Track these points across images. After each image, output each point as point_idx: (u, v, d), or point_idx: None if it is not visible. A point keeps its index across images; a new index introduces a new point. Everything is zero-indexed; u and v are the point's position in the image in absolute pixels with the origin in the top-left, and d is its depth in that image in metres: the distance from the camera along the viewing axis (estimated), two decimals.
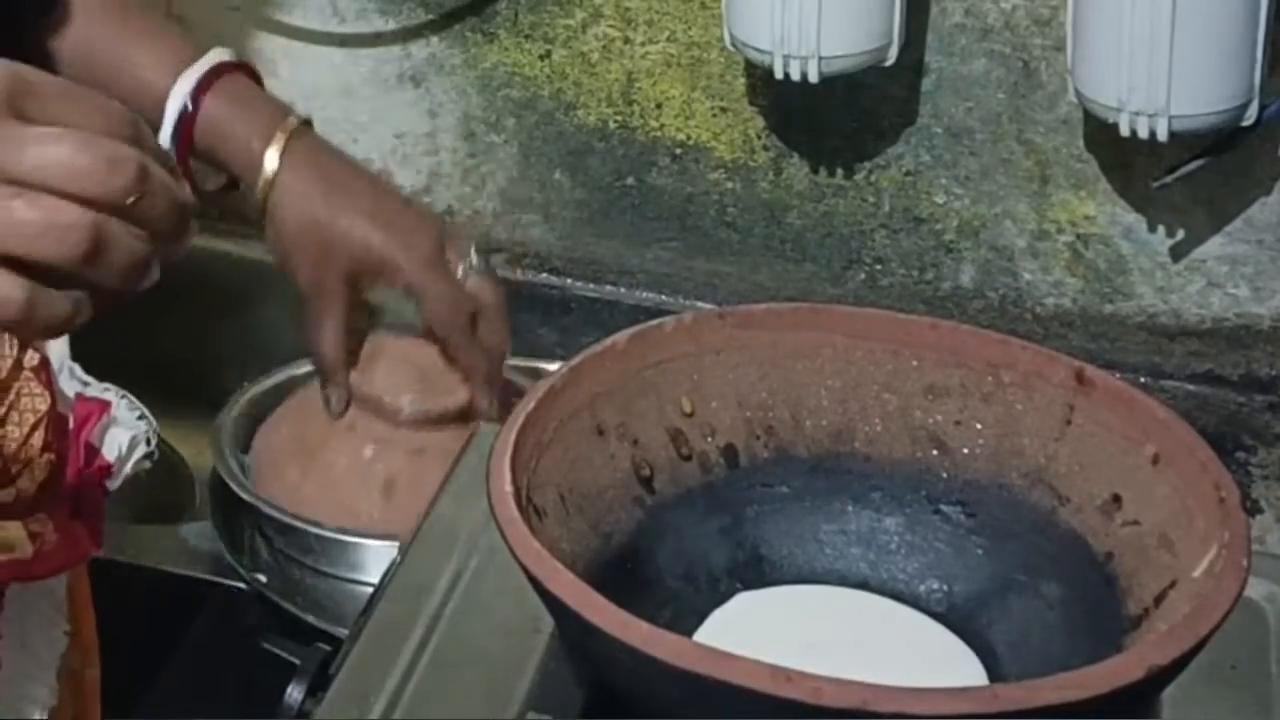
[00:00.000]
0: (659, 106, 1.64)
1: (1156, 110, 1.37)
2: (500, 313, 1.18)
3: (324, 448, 1.29)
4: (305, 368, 1.43)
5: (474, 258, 1.20)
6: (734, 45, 1.51)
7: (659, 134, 1.65)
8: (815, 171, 1.62)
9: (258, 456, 1.34)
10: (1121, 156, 1.52)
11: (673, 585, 0.88)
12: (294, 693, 0.91)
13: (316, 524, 1.28)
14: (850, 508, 0.92)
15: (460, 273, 1.17)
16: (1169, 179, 1.47)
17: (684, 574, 0.88)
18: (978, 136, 1.57)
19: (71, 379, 1.03)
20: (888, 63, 1.50)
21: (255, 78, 1.18)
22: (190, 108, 1.13)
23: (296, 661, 0.92)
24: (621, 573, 0.84)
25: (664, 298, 1.68)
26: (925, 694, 0.70)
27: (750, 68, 1.59)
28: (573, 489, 0.84)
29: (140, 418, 1.01)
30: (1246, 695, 0.86)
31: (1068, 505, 0.87)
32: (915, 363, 0.91)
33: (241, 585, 1.30)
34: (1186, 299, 1.56)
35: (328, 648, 0.92)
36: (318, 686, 0.89)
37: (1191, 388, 1.56)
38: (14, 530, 0.91)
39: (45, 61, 0.99)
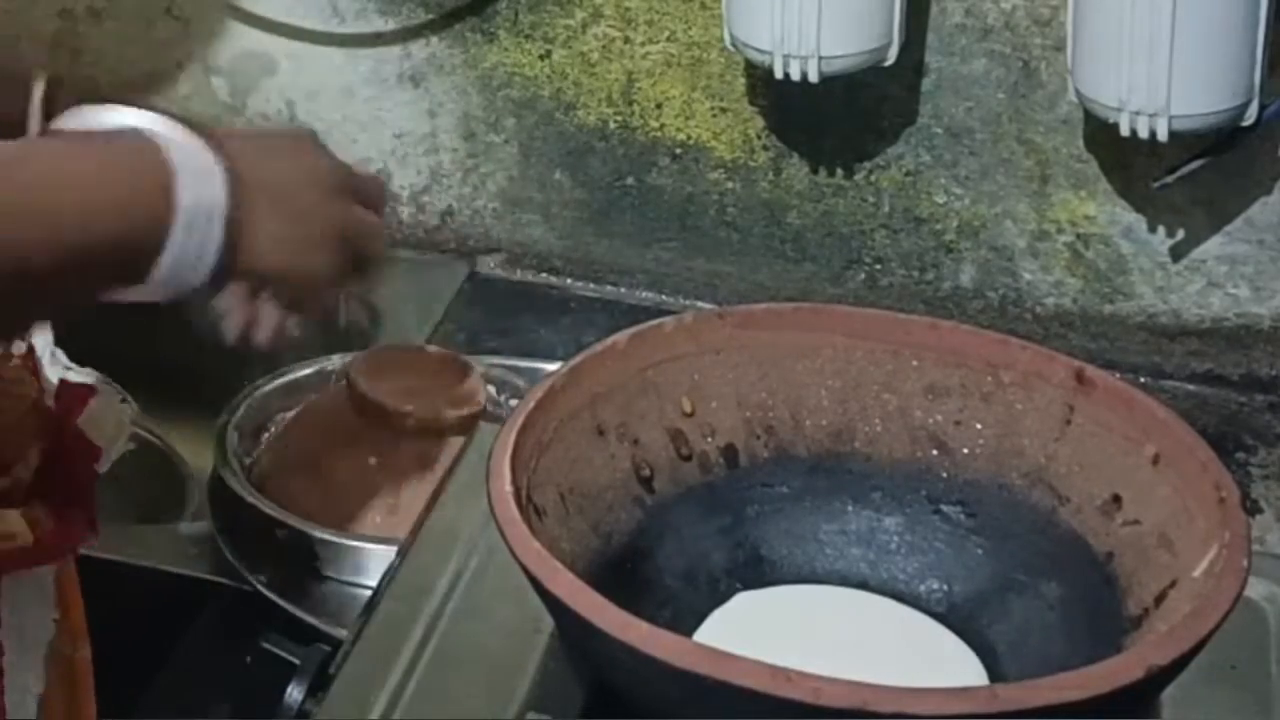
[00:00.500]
0: (659, 106, 1.64)
1: (1156, 110, 1.37)
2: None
3: (328, 458, 1.29)
4: (306, 370, 1.43)
5: None
6: (734, 45, 1.51)
7: (659, 134, 1.65)
8: (815, 171, 1.62)
9: (263, 468, 1.34)
10: (1121, 156, 1.52)
11: (673, 585, 0.88)
12: (294, 693, 0.91)
13: (317, 526, 1.28)
14: (850, 508, 0.92)
15: None
16: (1169, 179, 1.47)
17: (684, 574, 0.88)
18: (978, 136, 1.57)
19: (54, 363, 1.03)
20: (888, 63, 1.50)
21: None
22: None
23: (296, 661, 0.92)
24: (621, 573, 0.84)
25: (664, 298, 1.68)
26: (925, 694, 0.70)
27: (750, 68, 1.59)
28: (573, 489, 0.84)
29: (122, 400, 1.02)
30: (1246, 695, 0.86)
31: (1068, 505, 0.87)
32: (915, 363, 0.91)
33: (241, 585, 1.30)
34: (1186, 299, 1.56)
35: (328, 648, 0.92)
36: (318, 686, 0.89)
37: (1191, 388, 1.56)
38: (13, 519, 0.92)
39: None
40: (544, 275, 1.71)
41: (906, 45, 1.50)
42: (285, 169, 1.00)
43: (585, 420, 0.86)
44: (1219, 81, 1.37)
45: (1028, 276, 1.59)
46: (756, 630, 0.86)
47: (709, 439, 0.90)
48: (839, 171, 1.61)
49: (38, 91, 1.00)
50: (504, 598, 0.88)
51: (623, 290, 1.69)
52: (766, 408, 0.91)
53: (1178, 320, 1.56)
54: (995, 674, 0.84)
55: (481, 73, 1.67)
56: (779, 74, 1.47)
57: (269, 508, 1.29)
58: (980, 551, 0.89)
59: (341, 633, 1.00)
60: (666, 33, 1.61)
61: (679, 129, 1.64)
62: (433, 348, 1.39)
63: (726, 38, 1.52)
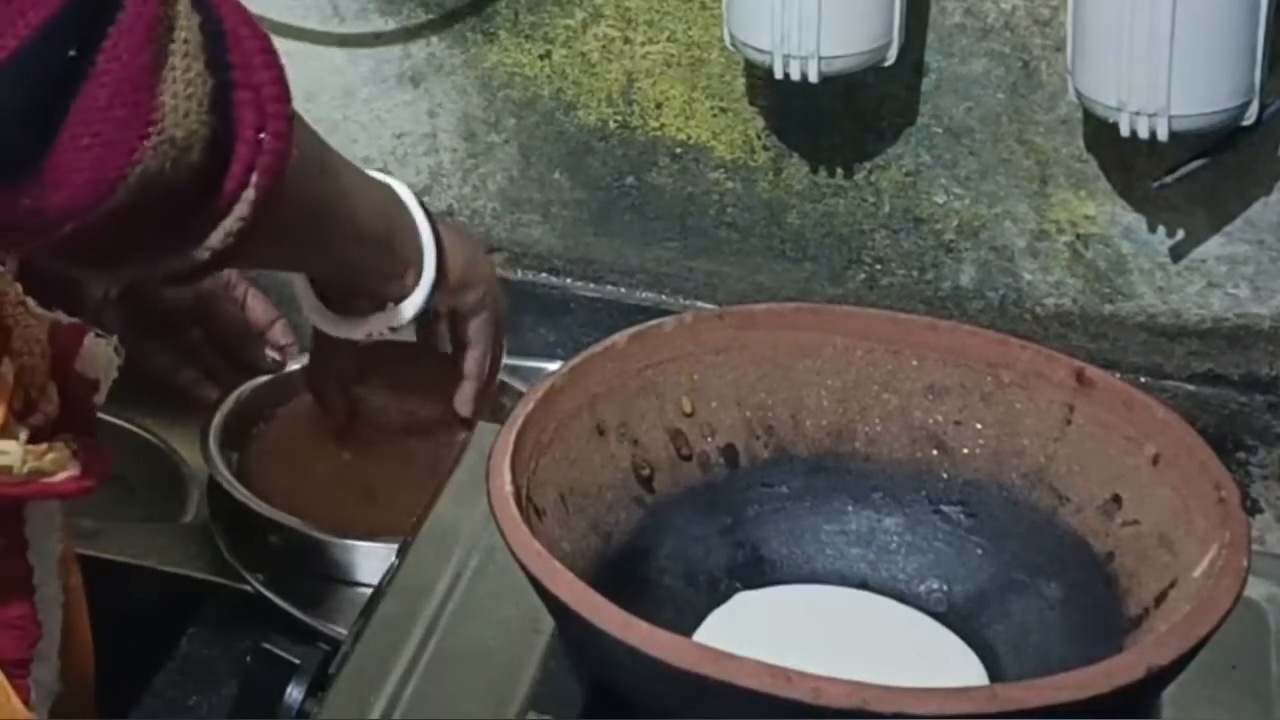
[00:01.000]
0: (659, 106, 1.64)
1: (1156, 110, 1.37)
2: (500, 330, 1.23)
3: (308, 454, 1.30)
4: (291, 366, 1.43)
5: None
6: (734, 45, 1.51)
7: (659, 134, 1.65)
8: (815, 171, 1.62)
9: (248, 465, 1.34)
10: (1121, 156, 1.52)
11: (673, 585, 0.88)
12: (294, 693, 0.91)
13: (316, 526, 1.28)
14: (850, 508, 0.92)
15: None
16: (1169, 179, 1.47)
17: (684, 574, 0.88)
18: (978, 136, 1.57)
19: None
20: (888, 63, 1.50)
21: None
22: None
23: (296, 661, 0.92)
24: (621, 573, 0.84)
25: (664, 298, 1.68)
26: (925, 694, 0.70)
27: (750, 68, 1.59)
28: (573, 489, 0.84)
29: (98, 335, 1.04)
30: (1246, 695, 0.86)
31: (1068, 505, 0.87)
32: (915, 363, 0.91)
33: (241, 585, 1.30)
34: (1186, 299, 1.56)
35: (328, 648, 0.92)
36: (318, 686, 0.89)
37: (1191, 388, 1.56)
38: (62, 450, 0.95)
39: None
40: (544, 275, 1.71)
41: (906, 45, 1.50)
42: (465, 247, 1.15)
43: (585, 420, 0.86)
44: (1219, 81, 1.37)
45: (1028, 276, 1.59)
46: (756, 630, 0.86)
47: (709, 439, 0.90)
48: (839, 171, 1.61)
49: None
50: (504, 598, 0.88)
51: (623, 290, 1.69)
52: (766, 408, 0.91)
53: (1178, 320, 1.56)
54: (995, 674, 0.84)
55: (481, 73, 1.67)
56: (779, 74, 1.47)
57: (268, 509, 1.29)
58: (980, 551, 0.89)
59: (341, 633, 1.00)
60: (666, 33, 1.61)
61: (679, 129, 1.64)
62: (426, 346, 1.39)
63: (726, 38, 1.52)
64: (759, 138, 1.63)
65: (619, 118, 1.65)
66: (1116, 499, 0.85)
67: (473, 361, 1.18)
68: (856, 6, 1.46)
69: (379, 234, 1.05)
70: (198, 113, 0.78)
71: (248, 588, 1.29)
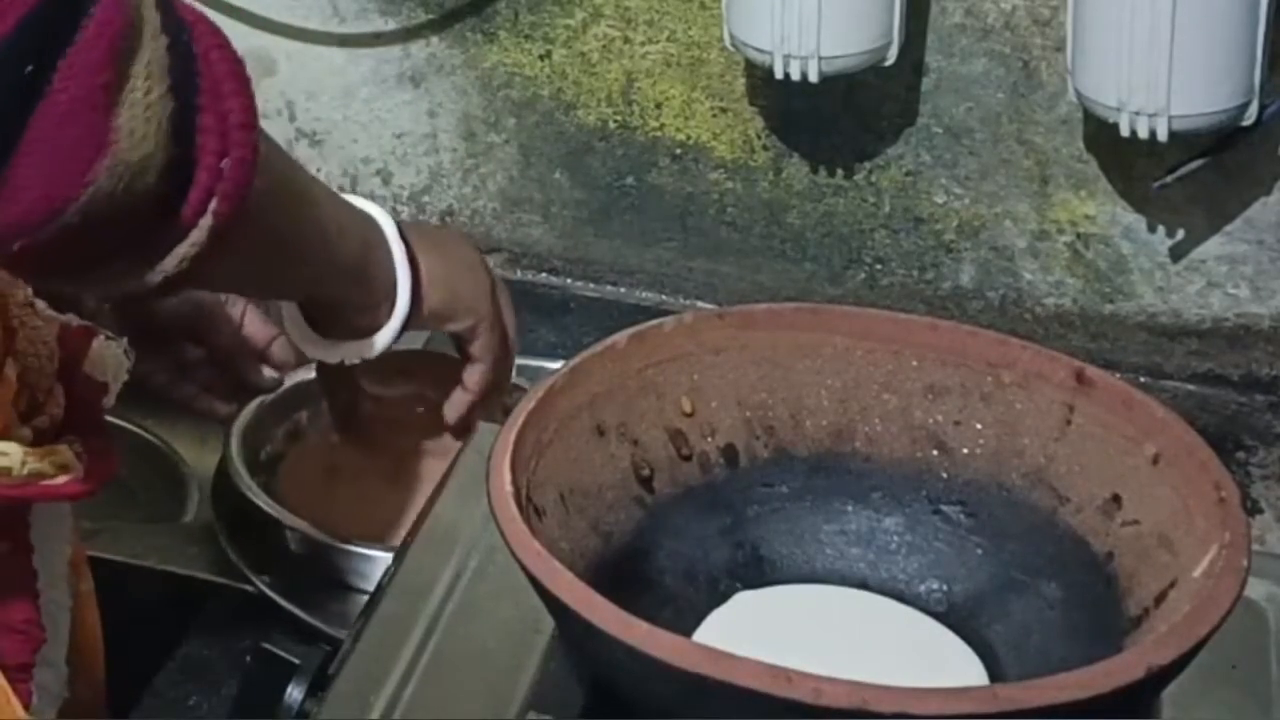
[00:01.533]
0: (659, 106, 1.64)
1: (1156, 110, 1.37)
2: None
3: (349, 465, 1.29)
4: (309, 372, 1.43)
5: None
6: (734, 45, 1.52)
7: (659, 134, 1.65)
8: (815, 171, 1.62)
9: (286, 481, 1.34)
10: (1121, 156, 1.52)
11: (673, 585, 0.88)
12: (294, 693, 0.91)
13: (319, 526, 1.28)
14: (850, 508, 0.92)
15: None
16: (1169, 179, 1.47)
17: (684, 574, 0.88)
18: (978, 136, 1.57)
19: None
20: (888, 63, 1.50)
21: None
22: None
23: (296, 661, 0.92)
24: (621, 573, 0.84)
25: (664, 298, 1.68)
26: (925, 694, 0.70)
27: (750, 68, 1.59)
28: (573, 489, 0.84)
29: (108, 338, 1.04)
30: (1246, 695, 0.86)
31: (1068, 505, 0.87)
32: (915, 363, 0.91)
33: (242, 585, 1.30)
34: (1186, 299, 1.56)
35: (328, 648, 0.92)
36: (318, 686, 0.89)
37: (1191, 388, 1.56)
38: (65, 452, 0.95)
39: None
40: (544, 275, 1.71)
41: (906, 45, 1.50)
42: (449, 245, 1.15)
43: (585, 420, 0.86)
44: (1219, 81, 1.37)
45: (1028, 276, 1.59)
46: (756, 630, 0.86)
47: (709, 439, 0.90)
48: (839, 171, 1.61)
49: None
50: (504, 598, 0.88)
51: (623, 290, 1.69)
52: (766, 408, 0.91)
53: (1178, 320, 1.56)
54: (995, 674, 0.84)
55: (481, 73, 1.67)
56: (779, 74, 1.47)
57: (271, 508, 1.29)
58: (980, 551, 0.89)
59: (341, 633, 1.00)
60: (666, 33, 1.61)
61: (679, 129, 1.64)
62: (435, 351, 1.39)
63: (726, 38, 1.52)
64: (759, 138, 1.63)
65: (619, 118, 1.65)
66: (1116, 499, 0.85)
67: (470, 375, 1.18)
68: (856, 6, 1.46)
69: (353, 265, 1.04)
70: (156, 136, 0.77)
71: (248, 588, 1.29)
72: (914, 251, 1.61)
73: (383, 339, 1.10)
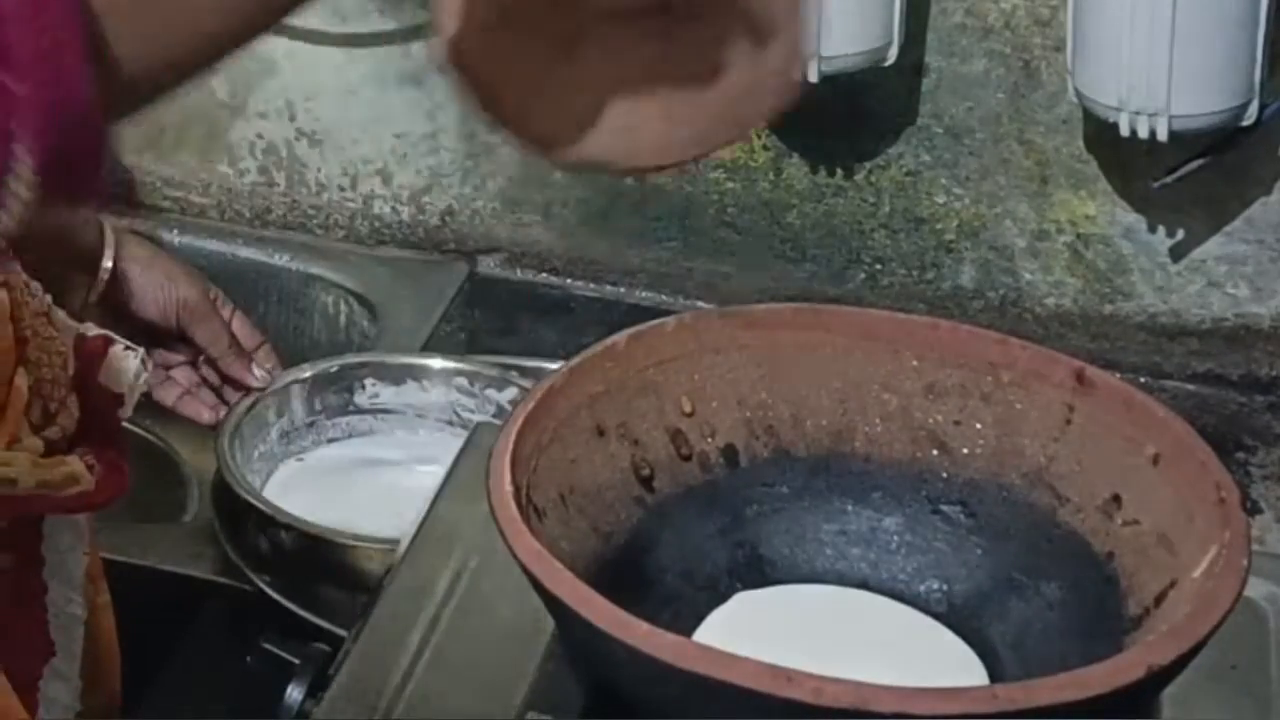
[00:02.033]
0: None
1: (1156, 110, 1.37)
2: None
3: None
4: (310, 371, 1.43)
5: None
6: None
7: None
8: (815, 171, 1.62)
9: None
10: (1121, 156, 1.52)
11: (673, 585, 0.88)
12: (294, 693, 0.91)
13: (318, 526, 1.28)
14: (850, 508, 0.92)
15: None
16: (1169, 179, 1.47)
17: (684, 574, 0.88)
18: (978, 136, 1.57)
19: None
20: (888, 63, 1.50)
21: None
22: None
23: (296, 661, 0.92)
24: (621, 573, 0.84)
25: (664, 298, 1.68)
26: (925, 694, 0.70)
27: None
28: (573, 489, 0.84)
29: (126, 348, 1.03)
30: (1246, 695, 0.86)
31: (1068, 505, 0.87)
32: (915, 363, 0.91)
33: (242, 585, 1.30)
34: (1186, 299, 1.56)
35: (328, 648, 0.92)
36: (318, 686, 0.89)
37: (1191, 388, 1.55)
38: (74, 464, 0.94)
39: None
40: (544, 275, 1.70)
41: (906, 45, 1.50)
42: None
43: (585, 420, 0.86)
44: (1219, 81, 1.37)
45: (1028, 276, 1.59)
46: (756, 630, 0.86)
47: (709, 439, 0.90)
48: (839, 171, 1.61)
49: None
50: (504, 598, 0.88)
51: (623, 290, 1.69)
52: (766, 408, 0.91)
53: (1178, 320, 1.56)
54: (995, 674, 0.84)
55: None
56: None
57: (271, 508, 1.30)
58: (980, 551, 0.89)
59: (342, 633, 1.00)
60: None
61: None
62: None
63: None
64: (759, 138, 1.62)
65: None
66: (1116, 499, 0.85)
67: None
68: (856, 6, 1.46)
69: None
70: None
71: (248, 587, 1.29)
72: (914, 251, 1.61)
73: None
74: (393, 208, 1.71)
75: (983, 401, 0.90)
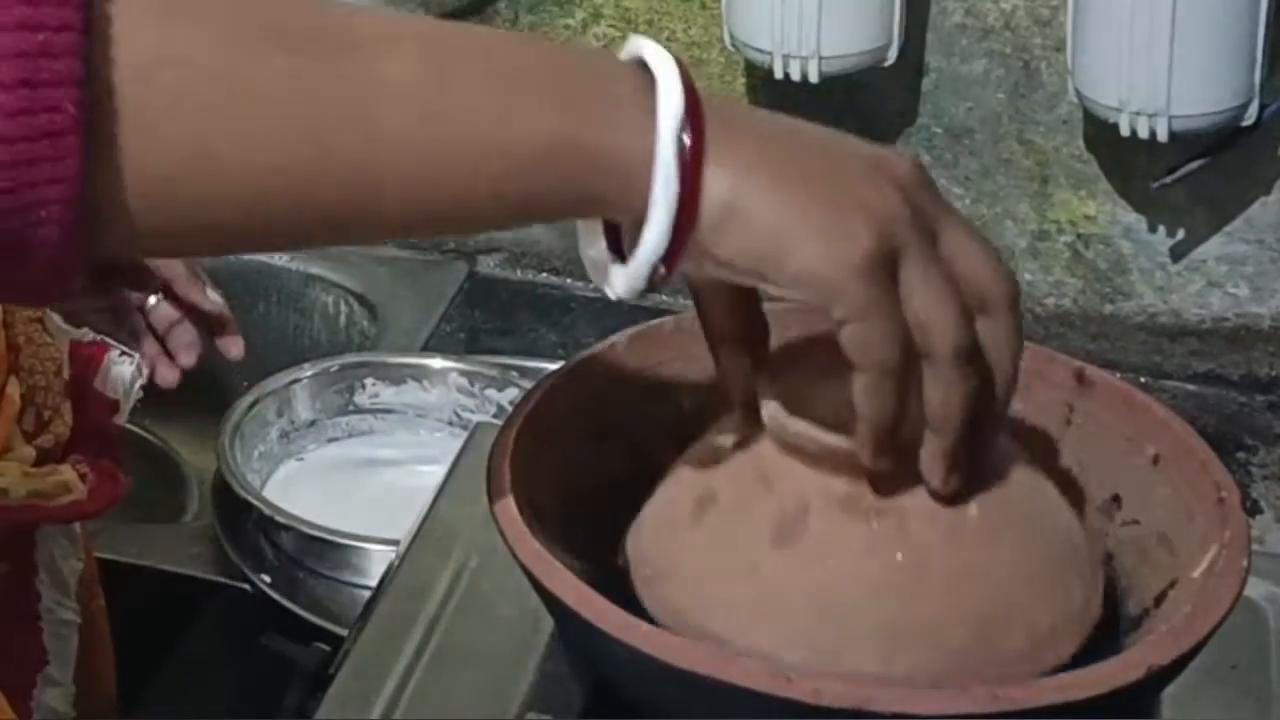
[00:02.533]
0: None
1: (1156, 110, 1.37)
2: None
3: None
4: (310, 371, 1.43)
5: None
6: (734, 45, 1.51)
7: None
8: None
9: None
10: (1121, 156, 1.52)
11: None
12: (294, 692, 0.91)
13: (318, 526, 1.28)
14: None
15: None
16: (1169, 179, 1.47)
17: None
18: (978, 136, 1.57)
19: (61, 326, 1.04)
20: (888, 63, 1.50)
21: None
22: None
23: (297, 661, 0.92)
24: (621, 573, 0.84)
25: (664, 298, 1.67)
26: (925, 693, 0.70)
27: (750, 68, 1.59)
28: (573, 489, 0.84)
29: (122, 354, 1.03)
30: (1246, 695, 0.86)
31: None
32: None
33: (242, 585, 1.30)
34: (1186, 299, 1.56)
35: (328, 648, 0.92)
36: (318, 686, 0.89)
37: (1191, 388, 1.56)
38: (67, 473, 0.94)
39: None
40: (544, 275, 1.71)
41: (906, 45, 1.50)
42: (789, 132, 0.72)
43: (585, 420, 0.86)
44: (1219, 81, 1.37)
45: (1028, 276, 1.59)
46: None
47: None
48: None
49: None
50: (504, 598, 0.88)
51: None
52: None
53: (1178, 320, 1.56)
54: None
55: None
56: (779, 74, 1.47)
57: (271, 508, 1.30)
58: None
59: (341, 632, 1.00)
60: (666, 33, 1.61)
61: None
62: None
63: (726, 38, 1.52)
64: None
65: None
66: (1116, 499, 0.85)
67: (860, 394, 0.71)
68: (856, 6, 1.46)
69: (519, 195, 0.67)
70: None
71: (248, 587, 1.29)
72: None
73: (619, 276, 0.71)
74: None
75: None
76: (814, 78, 1.46)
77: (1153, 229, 1.55)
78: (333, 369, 1.45)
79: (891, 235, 0.68)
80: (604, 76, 0.68)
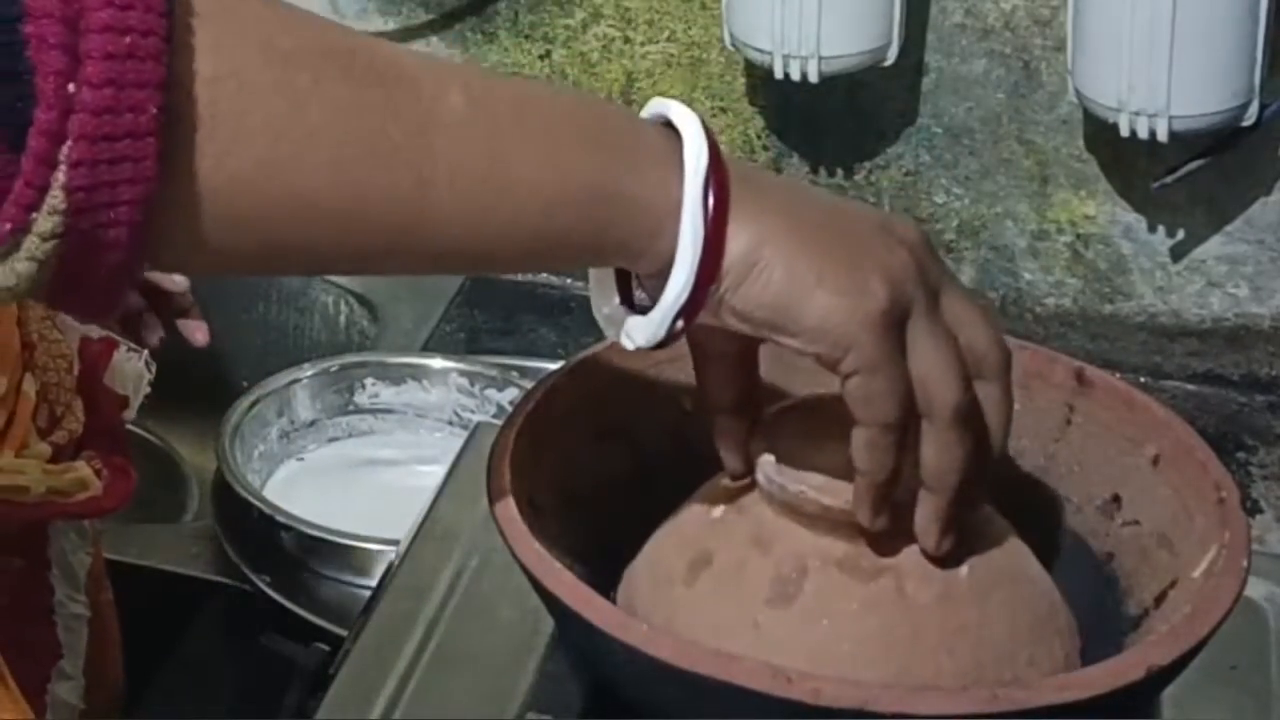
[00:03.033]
0: None
1: (1156, 110, 1.37)
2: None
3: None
4: (310, 371, 1.43)
5: None
6: (734, 45, 1.51)
7: None
8: (815, 171, 1.62)
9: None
10: (1121, 156, 1.52)
11: None
12: (294, 692, 0.91)
13: (318, 526, 1.28)
14: None
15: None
16: (1169, 179, 1.47)
17: None
18: (978, 136, 1.57)
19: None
20: (888, 63, 1.50)
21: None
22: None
23: (297, 661, 0.92)
24: (621, 573, 0.84)
25: None
26: (925, 694, 0.70)
27: (750, 68, 1.59)
28: (573, 489, 0.84)
29: (130, 350, 1.03)
30: (1246, 695, 0.86)
31: (1067, 505, 0.87)
32: None
33: (242, 585, 1.30)
34: (1186, 299, 1.56)
35: (327, 648, 0.92)
36: (318, 686, 0.89)
37: (1191, 388, 1.56)
38: (83, 469, 0.94)
39: None
40: (544, 275, 1.70)
41: (906, 45, 1.50)
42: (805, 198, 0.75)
43: (585, 420, 0.86)
44: (1219, 81, 1.37)
45: (1028, 276, 1.59)
46: None
47: (709, 439, 0.90)
48: (839, 171, 1.61)
49: None
50: (504, 598, 0.88)
51: None
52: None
53: (1178, 320, 1.56)
54: None
55: None
56: (779, 74, 1.47)
57: (271, 508, 1.30)
58: None
59: (341, 633, 1.00)
60: (666, 33, 1.61)
61: None
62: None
63: (726, 38, 1.52)
64: (759, 138, 1.62)
65: None
66: (1116, 499, 0.85)
67: (859, 448, 0.72)
68: (856, 6, 1.46)
69: (558, 245, 0.73)
70: None
71: (248, 587, 1.29)
72: None
73: (638, 327, 0.73)
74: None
75: None
76: (814, 78, 1.46)
77: (1153, 229, 1.55)
78: (333, 369, 1.45)
79: (904, 294, 0.70)
80: (635, 130, 0.71)
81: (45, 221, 0.57)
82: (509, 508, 0.77)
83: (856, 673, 0.72)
